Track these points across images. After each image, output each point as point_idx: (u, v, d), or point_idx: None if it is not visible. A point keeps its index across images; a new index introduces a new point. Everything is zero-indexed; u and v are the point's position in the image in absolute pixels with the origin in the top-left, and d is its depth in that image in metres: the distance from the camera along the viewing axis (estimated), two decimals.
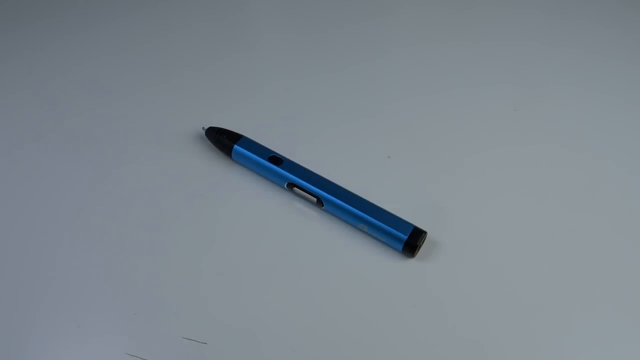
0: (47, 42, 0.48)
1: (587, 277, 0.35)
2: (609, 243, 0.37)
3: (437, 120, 0.44)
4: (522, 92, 0.47)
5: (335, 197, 0.36)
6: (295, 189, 0.37)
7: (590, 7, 0.56)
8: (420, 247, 0.35)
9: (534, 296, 0.34)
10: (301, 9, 0.54)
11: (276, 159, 0.38)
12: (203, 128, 0.41)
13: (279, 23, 0.54)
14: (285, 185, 0.38)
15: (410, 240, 0.35)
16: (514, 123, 0.44)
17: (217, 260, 0.35)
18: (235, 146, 0.39)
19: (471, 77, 0.48)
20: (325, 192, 0.36)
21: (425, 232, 0.35)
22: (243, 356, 0.31)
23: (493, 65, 0.49)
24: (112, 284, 0.34)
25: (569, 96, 0.47)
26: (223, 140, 0.39)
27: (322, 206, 0.37)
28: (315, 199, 0.37)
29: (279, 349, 0.32)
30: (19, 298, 0.33)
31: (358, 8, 0.54)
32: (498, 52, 0.50)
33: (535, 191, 0.40)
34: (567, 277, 0.35)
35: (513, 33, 0.52)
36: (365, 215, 0.35)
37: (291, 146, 0.40)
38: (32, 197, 0.38)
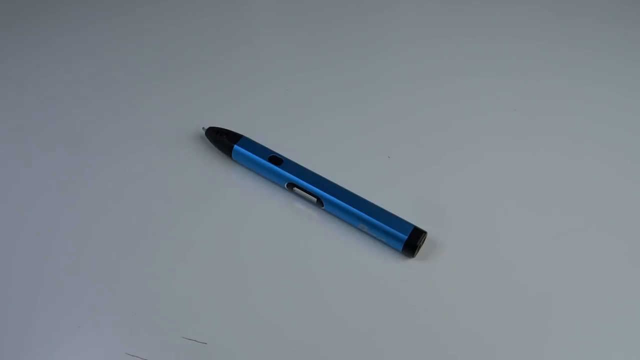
0: (45, 41, 0.48)
1: (588, 276, 0.35)
2: (610, 241, 0.37)
3: (437, 121, 0.44)
4: (522, 92, 0.47)
5: (335, 197, 0.36)
6: (295, 189, 0.37)
7: (590, 6, 0.56)
8: (420, 247, 0.35)
9: (535, 296, 0.34)
10: (301, 7, 0.54)
11: (276, 159, 0.38)
12: (203, 128, 0.41)
13: (279, 22, 0.54)
14: (285, 185, 0.38)
15: (410, 240, 0.35)
16: (514, 123, 0.44)
17: (217, 260, 0.35)
18: (235, 146, 0.39)
19: (471, 77, 0.48)
20: (325, 192, 0.36)
21: (425, 232, 0.35)
22: (243, 356, 0.31)
23: (493, 65, 0.49)
24: (112, 284, 0.34)
25: (569, 95, 0.47)
26: (223, 140, 0.39)
27: (322, 206, 0.37)
28: (315, 199, 0.37)
29: (279, 349, 0.32)
30: (20, 298, 0.33)
31: (358, 6, 0.54)
32: (498, 51, 0.50)
33: (535, 191, 0.40)
34: (567, 276, 0.35)
35: (514, 31, 0.52)
36: (365, 215, 0.35)
37: (291, 146, 0.40)
38: (32, 197, 0.38)
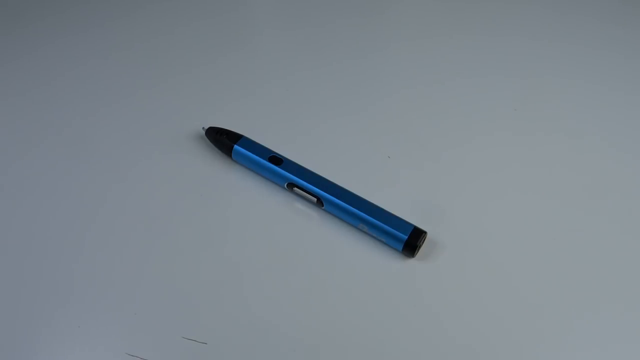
0: (45, 44, 0.48)
1: (588, 277, 0.35)
2: (611, 242, 0.37)
3: (437, 121, 0.44)
4: (522, 91, 0.47)
5: (335, 197, 0.36)
6: (295, 189, 0.37)
7: (590, 5, 0.56)
8: (420, 247, 0.35)
9: (535, 296, 0.34)
10: (301, 7, 0.54)
11: (276, 159, 0.38)
12: (203, 128, 0.41)
13: (279, 22, 0.54)
14: (285, 185, 0.38)
15: (410, 240, 0.35)
16: (514, 123, 0.44)
17: (217, 260, 0.35)
18: (235, 146, 0.39)
19: (471, 77, 0.48)
20: (325, 192, 0.36)
21: (425, 232, 0.35)
22: (243, 356, 0.31)
23: (493, 64, 0.49)
24: (113, 284, 0.34)
25: (569, 95, 0.47)
26: (223, 140, 0.39)
27: (322, 206, 0.37)
28: (315, 199, 0.37)
29: (279, 349, 0.32)
30: (20, 299, 0.33)
31: (357, 5, 0.54)
32: (498, 50, 0.50)
33: (535, 191, 0.40)
34: (567, 277, 0.35)
35: (514, 31, 0.52)
36: (365, 215, 0.35)
37: (291, 146, 0.40)
38: (33, 198, 0.38)
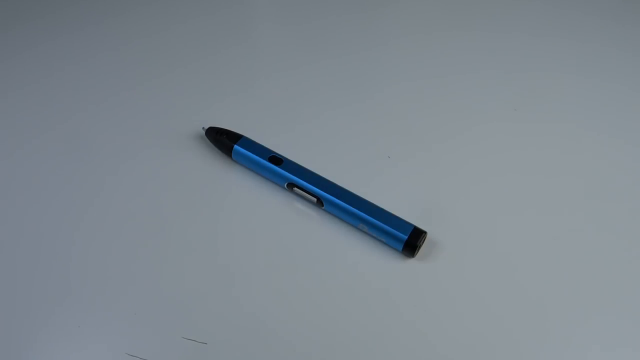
0: (45, 42, 0.48)
1: (588, 277, 0.35)
2: (610, 243, 0.37)
3: (437, 121, 0.44)
4: (522, 91, 0.47)
5: (335, 197, 0.36)
6: (295, 189, 0.37)
7: (591, 3, 0.55)
8: (420, 247, 0.35)
9: (535, 295, 0.34)
10: (300, 5, 0.54)
11: (276, 159, 0.38)
12: (203, 128, 0.41)
13: (280, 22, 0.54)
14: (285, 185, 0.38)
15: (410, 240, 0.34)
16: (514, 122, 0.44)
17: (217, 260, 0.35)
18: (235, 146, 0.39)
19: (472, 76, 0.48)
20: (325, 192, 0.36)
21: (425, 232, 0.35)
22: (243, 356, 0.31)
23: (494, 63, 0.49)
24: (112, 284, 0.34)
25: (569, 95, 0.47)
26: (223, 140, 0.39)
27: (322, 206, 0.37)
28: (315, 199, 0.37)
29: (279, 349, 0.32)
30: (20, 298, 0.33)
31: (358, 3, 0.54)
32: (499, 48, 0.50)
33: (536, 191, 0.39)
34: (567, 277, 0.35)
35: (514, 28, 0.52)
36: (365, 215, 0.35)
37: (291, 146, 0.40)
38: (31, 197, 0.38)
